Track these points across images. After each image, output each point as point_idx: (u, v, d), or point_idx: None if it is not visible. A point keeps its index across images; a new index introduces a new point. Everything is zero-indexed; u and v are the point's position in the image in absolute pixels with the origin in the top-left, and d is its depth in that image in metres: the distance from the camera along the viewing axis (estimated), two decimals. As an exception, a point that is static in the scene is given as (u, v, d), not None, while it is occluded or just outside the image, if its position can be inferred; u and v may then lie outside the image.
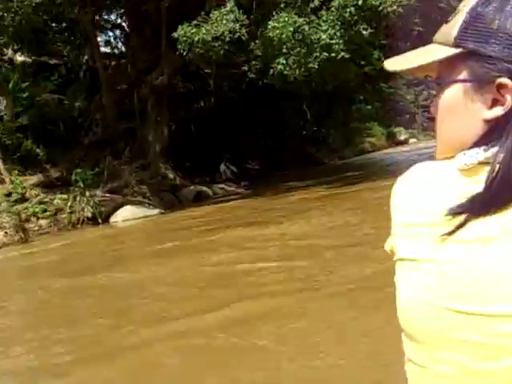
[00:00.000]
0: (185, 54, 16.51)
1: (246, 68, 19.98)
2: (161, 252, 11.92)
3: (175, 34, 16.19)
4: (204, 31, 15.70)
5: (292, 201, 17.15)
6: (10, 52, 24.39)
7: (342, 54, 15.39)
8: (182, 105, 26.46)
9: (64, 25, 24.95)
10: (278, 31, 15.30)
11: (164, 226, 16.14)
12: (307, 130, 33.96)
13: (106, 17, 25.40)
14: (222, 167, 24.86)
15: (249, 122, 30.88)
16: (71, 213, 17.40)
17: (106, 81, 21.89)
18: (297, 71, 16.12)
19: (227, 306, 6.96)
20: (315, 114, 32.41)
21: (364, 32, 15.26)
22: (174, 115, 24.88)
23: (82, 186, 17.59)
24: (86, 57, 23.77)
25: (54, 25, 24.95)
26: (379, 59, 20.72)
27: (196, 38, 15.66)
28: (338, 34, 15.28)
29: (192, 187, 21.62)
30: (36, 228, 16.93)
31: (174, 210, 18.79)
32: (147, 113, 22.74)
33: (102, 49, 25.20)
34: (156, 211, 18.02)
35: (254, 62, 19.03)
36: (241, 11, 16.07)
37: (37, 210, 17.37)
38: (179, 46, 16.21)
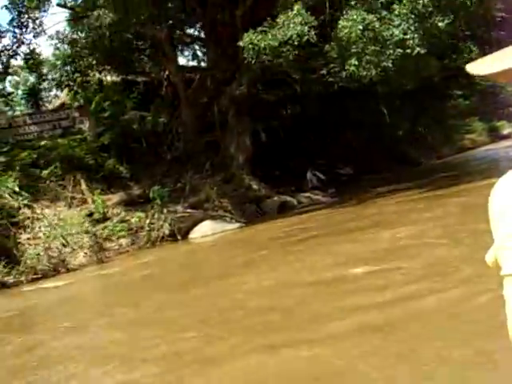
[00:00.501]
0: (253, 61, 15.94)
1: (324, 71, 19.16)
2: (246, 264, 11.38)
3: (241, 43, 15.69)
4: (270, 37, 15.07)
5: (386, 206, 16.15)
6: (96, 73, 24.90)
7: (418, 49, 14.24)
8: (265, 113, 26.01)
9: (149, 42, 25.32)
10: (346, 30, 14.41)
11: (243, 240, 15.66)
12: (402, 129, 32.47)
13: (184, 32, 25.35)
14: (309, 175, 24.06)
15: (335, 126, 29.94)
16: (150, 230, 17.25)
17: (185, 95, 21.75)
18: (372, 71, 15.12)
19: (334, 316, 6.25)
20: (408, 112, 30.88)
21: (440, 24, 14.03)
22: (256, 125, 24.45)
23: (159, 203, 17.39)
24: (166, 72, 23.79)
25: (138, 43, 25.34)
26: (471, 51, 19.26)
27: (262, 45, 15.06)
28: (412, 28, 14.16)
29: (276, 198, 20.98)
30: (116, 247, 16.92)
31: (255, 223, 18.24)
32: (228, 124, 22.40)
33: (184, 62, 25.28)
34: (236, 225, 17.52)
35: (331, 65, 18.19)
36: (308, 13, 15.31)
37: (117, 228, 17.38)
38: (246, 55, 15.67)
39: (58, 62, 23.87)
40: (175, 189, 20.50)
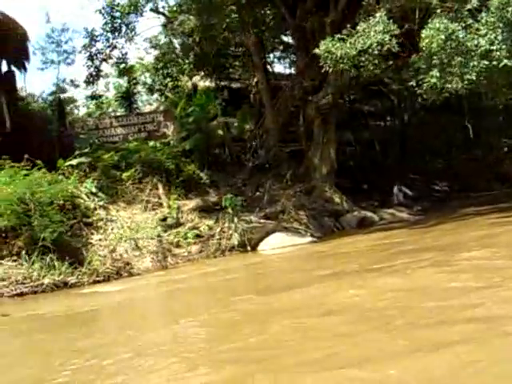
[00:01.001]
0: (330, 70, 15.26)
1: (413, 83, 18.13)
2: (316, 279, 10.60)
3: (317, 50, 15.06)
4: (348, 45, 14.35)
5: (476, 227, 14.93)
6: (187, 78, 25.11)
7: (506, 61, 13.00)
8: (356, 124, 25.20)
9: (240, 49, 25.29)
10: (427, 40, 13.43)
11: (311, 255, 14.99)
12: (504, 147, 30.47)
13: (276, 38, 25.03)
14: (395, 190, 22.97)
15: (433, 141, 28.53)
16: (220, 239, 16.95)
17: (271, 103, 21.37)
18: (457, 84, 14.00)
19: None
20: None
21: None
22: (344, 135, 23.68)
23: (230, 212, 17.06)
24: (255, 79, 23.54)
25: (230, 49, 25.37)
26: None
27: (339, 53, 14.36)
28: (500, 37, 12.95)
29: (356, 213, 20.11)
30: (185, 254, 16.70)
31: (331, 238, 17.51)
32: (313, 134, 21.79)
33: (276, 69, 24.98)
34: (307, 239, 16.84)
35: (420, 76, 17.16)
36: (391, 21, 14.45)
37: (188, 235, 17.20)
38: (322, 63, 15.03)
39: (150, 67, 24.28)
40: (253, 197, 20.16)
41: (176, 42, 24.82)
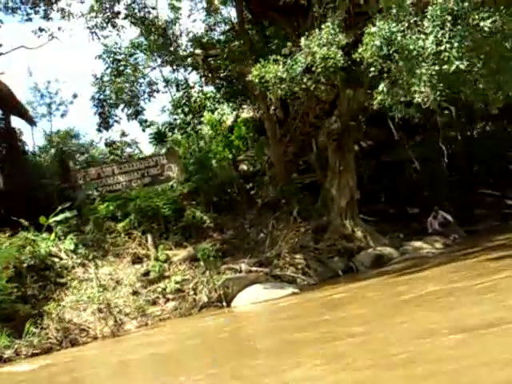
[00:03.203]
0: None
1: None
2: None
3: (250, 76, 13.27)
4: (281, 67, 12.48)
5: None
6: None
7: (457, 63, 10.48)
8: (380, 149, 22.70)
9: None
10: (361, 49, 11.25)
11: (276, 315, 13.08)
12: None
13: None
14: (430, 218, 20.14)
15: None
16: (195, 294, 15.49)
17: (274, 133, 19.62)
18: (422, 97, 11.66)
19: None
20: None
21: (482, 23, 10.01)
22: (369, 161, 21.33)
23: (202, 264, 15.58)
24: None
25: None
26: None
27: (268, 77, 12.51)
28: (447, 35, 10.43)
29: (370, 250, 17.74)
30: (158, 312, 15.39)
31: (323, 286, 15.42)
32: (328, 162, 19.73)
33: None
34: (288, 291, 14.80)
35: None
36: (337, 30, 12.34)
37: (167, 290, 15.92)
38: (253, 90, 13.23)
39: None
40: (257, 240, 18.51)
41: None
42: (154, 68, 21.14)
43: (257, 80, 12.87)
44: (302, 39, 12.63)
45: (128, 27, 18.93)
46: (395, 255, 17.65)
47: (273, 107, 20.95)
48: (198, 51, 21.18)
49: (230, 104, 24.44)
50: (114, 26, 17.67)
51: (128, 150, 25.57)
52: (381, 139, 25.14)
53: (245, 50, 19.10)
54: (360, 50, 11.47)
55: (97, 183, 19.97)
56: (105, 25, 17.54)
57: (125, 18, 17.73)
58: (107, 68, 20.75)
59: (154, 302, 15.75)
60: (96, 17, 16.89)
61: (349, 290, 13.79)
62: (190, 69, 22.38)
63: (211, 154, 20.83)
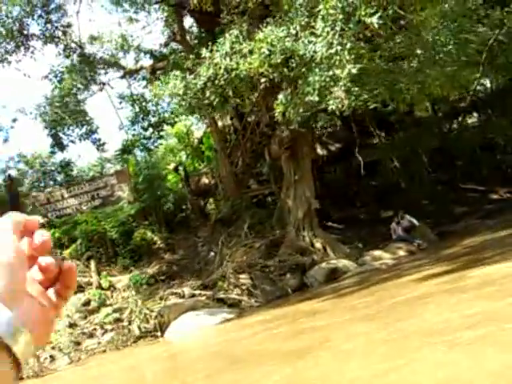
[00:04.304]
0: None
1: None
2: None
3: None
4: (179, 82, 11.56)
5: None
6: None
7: (349, 67, 9.48)
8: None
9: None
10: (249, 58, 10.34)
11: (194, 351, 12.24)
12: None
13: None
14: (393, 224, 19.04)
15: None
16: (129, 325, 14.72)
17: (221, 146, 18.73)
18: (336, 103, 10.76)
19: None
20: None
21: (368, 20, 9.02)
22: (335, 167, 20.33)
23: (133, 294, 14.79)
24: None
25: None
26: None
27: (167, 93, 11.62)
28: (337, 36, 9.45)
29: (324, 264, 16.77)
30: (95, 345, 14.67)
31: (263, 307, 14.56)
32: (283, 172, 18.81)
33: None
34: (218, 319, 13.89)
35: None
36: (240, 38, 11.41)
37: (106, 320, 15.19)
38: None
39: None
40: (207, 259, 17.67)
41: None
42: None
43: (157, 97, 12.05)
44: (204, 50, 11.74)
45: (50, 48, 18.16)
46: (351, 268, 16.64)
47: (229, 117, 20.11)
48: (145, 64, 20.43)
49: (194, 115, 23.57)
50: (27, 49, 16.89)
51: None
52: (350, 140, 24.08)
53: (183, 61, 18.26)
54: (248, 59, 10.56)
55: (46, 208, 19.28)
56: (16, 49, 16.77)
57: (40, 39, 16.92)
58: (54, 88, 20.04)
59: (91, 335, 15.02)
60: (6, 42, 16.12)
61: (282, 317, 12.85)
62: (144, 82, 21.62)
63: (165, 170, 20.00)
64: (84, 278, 16.87)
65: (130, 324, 14.72)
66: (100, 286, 16.44)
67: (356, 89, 11.08)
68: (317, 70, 9.92)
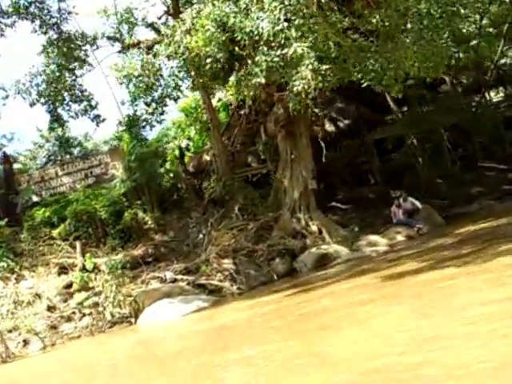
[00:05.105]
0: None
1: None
2: None
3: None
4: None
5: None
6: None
7: (295, 45, 8.60)
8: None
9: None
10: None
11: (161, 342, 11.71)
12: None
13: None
14: (393, 207, 18.05)
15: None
16: (104, 310, 14.32)
17: (214, 123, 17.98)
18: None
19: None
20: None
21: None
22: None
23: (108, 278, 14.35)
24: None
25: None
26: None
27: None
28: (284, 11, 8.57)
29: (314, 249, 16.01)
30: (71, 330, 14.34)
31: (243, 297, 13.95)
32: (279, 151, 18.02)
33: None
34: (193, 307, 13.36)
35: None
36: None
37: (85, 304, 14.85)
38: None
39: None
40: (196, 241, 17.11)
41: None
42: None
43: (118, 75, 11.39)
44: (162, 27, 11.00)
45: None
46: (343, 253, 15.84)
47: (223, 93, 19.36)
48: (143, 39, 19.72)
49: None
50: None
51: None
52: (363, 117, 23.05)
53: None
54: (194, 37, 9.76)
55: (40, 186, 18.98)
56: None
57: (14, 14, 16.29)
58: (48, 64, 19.52)
59: (69, 319, 14.72)
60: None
61: (255, 306, 12.19)
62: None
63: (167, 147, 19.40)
64: (69, 260, 16.56)
65: (104, 309, 14.32)
66: (84, 268, 16.07)
67: (324, 67, 10.21)
68: (265, 48, 9.09)
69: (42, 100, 20.06)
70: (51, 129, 20.96)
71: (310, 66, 10.05)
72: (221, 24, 9.38)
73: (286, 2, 8.63)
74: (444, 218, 18.82)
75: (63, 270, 16.27)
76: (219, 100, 23.47)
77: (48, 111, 20.48)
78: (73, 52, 17.83)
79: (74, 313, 14.76)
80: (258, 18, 9.11)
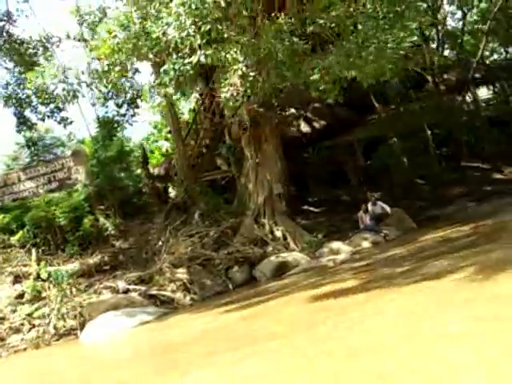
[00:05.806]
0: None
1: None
2: None
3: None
4: None
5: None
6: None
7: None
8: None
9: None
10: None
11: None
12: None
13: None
14: (360, 213, 17.48)
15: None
16: (49, 323, 13.88)
17: (175, 127, 17.45)
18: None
19: None
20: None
21: None
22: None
23: (54, 292, 13.92)
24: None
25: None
26: None
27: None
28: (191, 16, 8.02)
29: (273, 257, 15.48)
30: (16, 343, 13.91)
31: (206, 305, 13.43)
32: (243, 155, 17.50)
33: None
34: (136, 321, 12.84)
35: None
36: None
37: (34, 315, 14.42)
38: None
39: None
40: (155, 249, 16.63)
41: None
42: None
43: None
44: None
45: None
46: (302, 261, 15.30)
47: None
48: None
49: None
50: None
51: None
52: (339, 117, 22.43)
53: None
54: (93, 46, 9.23)
55: (3, 191, 18.58)
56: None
57: None
58: (15, 66, 19.15)
59: (18, 330, 14.29)
60: None
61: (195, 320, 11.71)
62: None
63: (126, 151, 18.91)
64: (24, 268, 16.15)
65: (49, 322, 13.89)
66: (39, 277, 15.65)
67: (252, 74, 9.66)
68: (174, 56, 8.57)
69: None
70: (18, 131, 20.54)
71: (239, 72, 9.54)
72: (122, 28, 8.86)
73: (193, 6, 8.09)
74: (417, 222, 18.23)
75: (17, 279, 15.85)
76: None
77: (14, 114, 20.12)
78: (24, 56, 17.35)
79: (22, 324, 14.35)
80: (167, 24, 8.59)
